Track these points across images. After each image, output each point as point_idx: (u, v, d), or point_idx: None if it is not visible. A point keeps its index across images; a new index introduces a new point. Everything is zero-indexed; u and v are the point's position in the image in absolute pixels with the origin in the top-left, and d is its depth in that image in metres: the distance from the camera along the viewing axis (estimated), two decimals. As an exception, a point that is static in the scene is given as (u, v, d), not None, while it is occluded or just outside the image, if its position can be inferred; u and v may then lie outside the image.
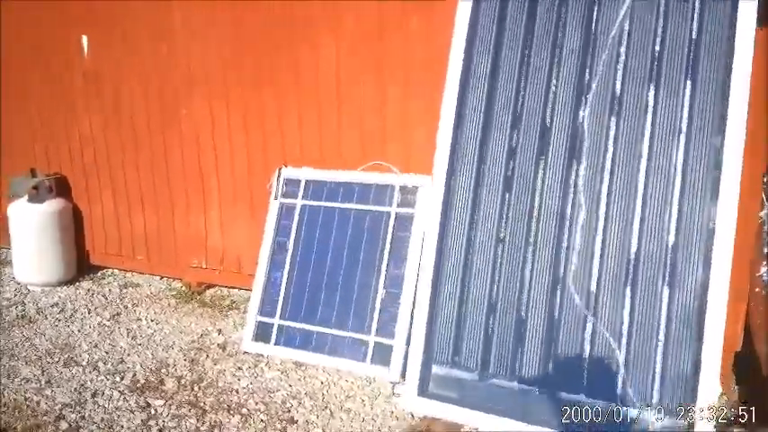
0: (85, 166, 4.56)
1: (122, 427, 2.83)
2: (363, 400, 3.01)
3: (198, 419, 2.88)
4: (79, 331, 3.84)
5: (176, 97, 4.06)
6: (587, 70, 2.52)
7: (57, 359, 3.47)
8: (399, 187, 3.38)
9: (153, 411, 2.95)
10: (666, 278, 2.31)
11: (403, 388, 3.01)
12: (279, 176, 3.72)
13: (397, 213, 3.36)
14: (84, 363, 3.43)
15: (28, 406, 3.00)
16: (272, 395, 3.08)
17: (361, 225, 3.44)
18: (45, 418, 2.90)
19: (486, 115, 2.70)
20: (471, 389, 2.62)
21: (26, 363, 3.43)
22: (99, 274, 4.82)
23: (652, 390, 2.28)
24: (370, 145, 3.51)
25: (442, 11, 3.06)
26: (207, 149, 4.05)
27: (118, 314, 4.09)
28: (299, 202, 3.65)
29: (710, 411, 2.17)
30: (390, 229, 3.35)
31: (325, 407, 2.97)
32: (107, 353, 3.55)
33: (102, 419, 2.89)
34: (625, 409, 2.29)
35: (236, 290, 4.43)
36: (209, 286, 4.48)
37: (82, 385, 3.19)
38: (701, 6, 2.33)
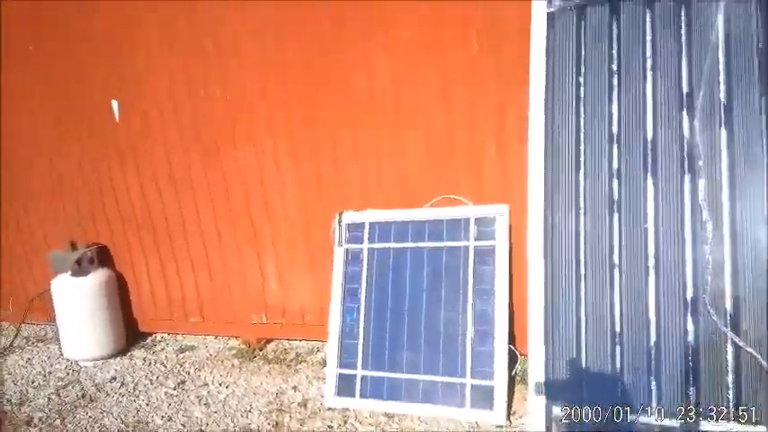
0: (126, 232, 4.39)
1: (227, 507, 2.63)
2: (473, 449, 2.82)
3: (304, 490, 2.68)
4: (147, 405, 3.64)
5: (216, 136, 3.90)
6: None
7: (134, 439, 3.28)
8: (475, 219, 3.24)
9: (254, 486, 2.75)
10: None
11: (511, 429, 2.85)
12: (340, 222, 3.57)
13: (475, 247, 3.22)
14: (164, 440, 3.24)
15: (117, 495, 2.80)
16: (374, 453, 2.89)
17: (438, 263, 3.29)
18: (141, 507, 2.70)
19: (577, 137, 2.57)
20: (601, 426, 2.43)
21: (101, 446, 3.23)
22: (149, 341, 4.64)
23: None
24: (438, 178, 3.36)
25: (508, 19, 2.94)
26: (257, 199, 3.89)
27: (183, 382, 3.90)
28: (366, 245, 3.50)
29: None
30: (471, 264, 3.21)
31: (435, 460, 2.78)
32: (183, 425, 3.36)
33: (203, 502, 2.69)
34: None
35: (298, 341, 4.26)
36: (269, 341, 4.30)
37: (169, 465, 2.99)
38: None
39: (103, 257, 4.48)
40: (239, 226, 3.99)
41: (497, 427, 2.94)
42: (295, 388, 3.64)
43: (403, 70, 3.31)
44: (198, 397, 3.67)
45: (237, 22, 3.63)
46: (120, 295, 4.47)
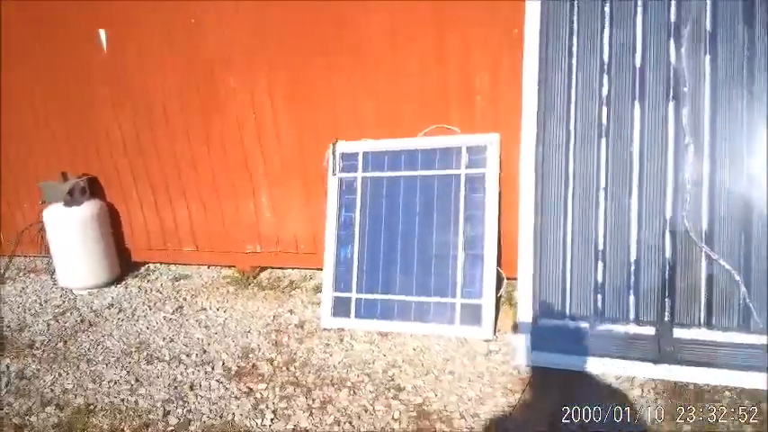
0: (117, 163, 4.42)
1: (233, 414, 2.82)
2: (463, 362, 3.04)
3: (307, 397, 2.88)
4: (147, 328, 3.78)
5: (212, 74, 3.90)
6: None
7: (137, 358, 3.42)
8: (466, 148, 3.36)
9: (259, 396, 2.94)
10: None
11: (498, 344, 3.07)
12: (334, 151, 3.66)
13: (467, 175, 3.35)
14: (166, 358, 3.39)
15: (127, 407, 2.97)
16: (370, 366, 3.09)
17: (431, 190, 3.42)
18: (151, 416, 2.87)
19: (569, 65, 2.68)
20: (584, 337, 2.65)
21: (107, 366, 3.37)
22: (143, 270, 4.74)
23: (775, 314, 2.34)
24: (431, 108, 3.44)
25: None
26: (250, 129, 3.94)
27: (180, 307, 4.03)
28: (360, 174, 3.61)
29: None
30: (462, 191, 3.35)
31: (428, 372, 2.99)
32: (186, 345, 3.52)
33: (211, 410, 2.87)
34: (750, 336, 2.35)
35: (291, 270, 4.40)
36: (262, 269, 4.44)
37: (174, 380, 3.15)
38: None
39: (95, 189, 4.52)
40: (232, 156, 4.04)
41: (484, 341, 3.15)
42: (291, 311, 3.81)
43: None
44: (197, 320, 3.82)
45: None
46: (112, 226, 4.53)
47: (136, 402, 3.00)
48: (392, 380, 2.96)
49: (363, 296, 3.49)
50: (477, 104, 3.35)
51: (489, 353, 3.09)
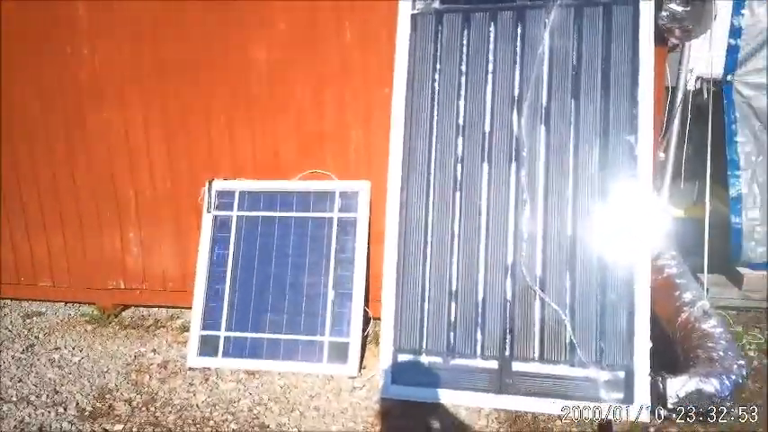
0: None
1: (86, 457, 2.71)
2: (329, 398, 3.15)
3: (167, 438, 2.84)
4: (-8, 368, 3.51)
5: (80, 102, 3.83)
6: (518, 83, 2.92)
7: (-22, 400, 3.17)
8: (340, 192, 3.56)
9: (115, 437, 2.85)
10: (599, 254, 2.77)
11: (362, 380, 3.22)
12: (210, 189, 3.71)
13: (339, 218, 3.54)
14: (13, 399, 3.18)
15: (-37, 452, 2.74)
16: (235, 405, 3.11)
17: (304, 231, 3.56)
18: (-8, 461, 2.68)
19: (431, 126, 3.00)
20: (438, 371, 2.89)
21: (-61, 408, 3.09)
22: (-10, 306, 4.39)
23: (595, 350, 2.72)
24: (308, 153, 3.63)
25: (376, 21, 3.29)
26: (121, 160, 3.88)
27: (32, 345, 3.79)
28: (236, 213, 3.68)
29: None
30: (334, 234, 3.52)
31: (293, 408, 3.07)
32: (36, 386, 3.31)
33: (61, 453, 2.74)
34: (574, 369, 2.70)
35: (157, 309, 4.30)
36: (125, 308, 4.30)
37: (21, 422, 2.97)
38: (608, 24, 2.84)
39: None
40: (100, 186, 3.93)
41: (350, 377, 3.29)
42: (154, 351, 3.72)
43: (279, 61, 3.52)
44: (49, 360, 3.61)
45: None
46: (-44, 258, 4.18)
47: (-26, 448, 2.78)
48: (257, 418, 3.00)
49: (233, 334, 3.50)
50: (351, 153, 3.58)
51: (354, 389, 3.23)
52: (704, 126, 3.87)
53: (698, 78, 5.61)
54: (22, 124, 3.94)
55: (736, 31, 3.52)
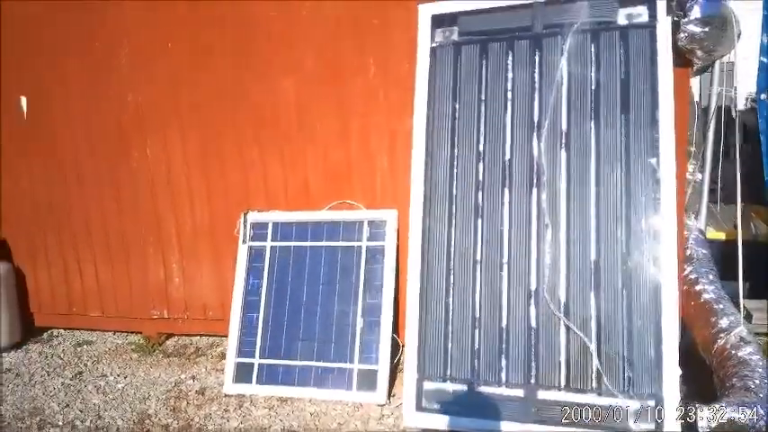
0: (28, 227, 4.42)
1: (123, 480, 2.82)
2: (356, 425, 3.17)
3: (199, 463, 2.92)
4: (44, 394, 3.71)
5: (127, 140, 4.07)
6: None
7: (29, 423, 3.36)
8: (368, 222, 3.63)
9: (150, 461, 2.95)
10: (624, 281, 2.73)
11: (391, 408, 3.23)
12: (245, 221, 3.85)
13: (367, 247, 3.60)
14: (59, 423, 3.35)
15: (12, 474, 2.90)
16: (266, 431, 3.17)
17: (334, 260, 3.64)
18: (37, 482, 2.82)
19: (452, 153, 3.05)
20: (462, 399, 2.87)
21: (-6, 432, 3.29)
22: (46, 335, 4.66)
23: (623, 379, 2.65)
24: (337, 184, 3.73)
25: (398, 55, 3.39)
26: (163, 196, 4.08)
27: (80, 373, 3.99)
28: (269, 243, 3.80)
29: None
30: (363, 262, 3.59)
31: (321, 435, 3.11)
32: (81, 411, 3.48)
33: (100, 476, 2.86)
34: (601, 398, 2.64)
35: (198, 337, 4.45)
36: (169, 336, 4.46)
37: (66, 446, 3.12)
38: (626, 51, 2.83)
39: (3, 251, 4.47)
40: (144, 219, 4.15)
41: (378, 405, 3.31)
42: (194, 378, 3.85)
43: (307, 98, 3.69)
44: (95, 386, 3.79)
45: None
46: (18, 289, 4.46)
47: (21, 470, 2.94)
48: (286, 444, 3.05)
49: (266, 361, 3.59)
50: (377, 183, 3.66)
51: (382, 417, 3.24)
52: (750, 145, 3.77)
53: (747, 98, 5.47)
54: (74, 164, 4.22)
55: (767, 49, 3.44)
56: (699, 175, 3.67)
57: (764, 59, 3.50)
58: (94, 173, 4.20)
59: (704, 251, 3.53)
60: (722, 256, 3.93)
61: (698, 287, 3.29)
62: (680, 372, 2.59)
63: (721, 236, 4.17)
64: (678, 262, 3.16)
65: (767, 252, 3.79)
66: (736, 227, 4.63)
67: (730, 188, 4.72)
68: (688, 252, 3.46)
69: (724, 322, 2.97)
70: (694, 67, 3.93)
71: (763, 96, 3.53)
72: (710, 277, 3.36)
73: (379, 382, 3.35)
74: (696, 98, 5.13)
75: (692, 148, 4.00)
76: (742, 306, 3.01)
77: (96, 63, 4.03)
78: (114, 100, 4.05)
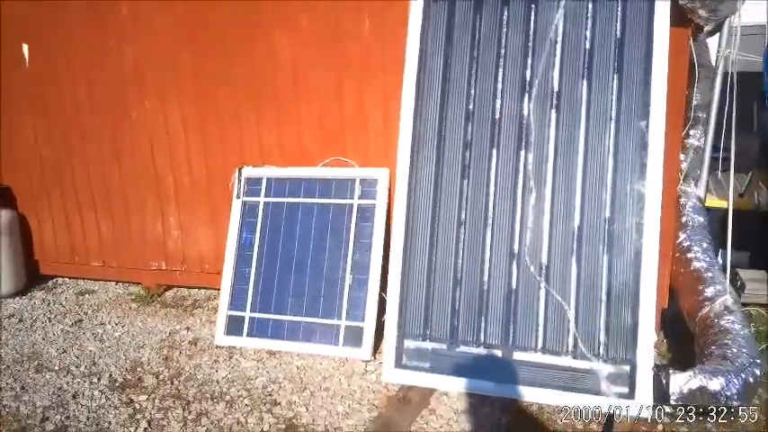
0: (31, 176, 4.49)
1: (110, 423, 2.92)
2: (340, 379, 3.23)
3: (184, 410, 3.01)
4: (43, 339, 3.83)
5: (127, 94, 4.08)
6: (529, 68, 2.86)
7: (27, 366, 3.48)
8: (360, 180, 3.62)
9: (138, 406, 3.05)
10: (606, 246, 2.70)
11: (375, 364, 3.28)
12: (239, 176, 3.86)
13: (359, 205, 3.60)
14: (55, 368, 3.46)
15: (8, 412, 3.03)
16: (252, 382, 3.25)
17: (326, 217, 3.65)
18: (29, 421, 2.94)
19: (441, 111, 2.99)
20: (441, 357, 2.90)
21: (-6, 373, 3.42)
22: (50, 283, 4.78)
23: (599, 343, 2.65)
24: (330, 142, 3.71)
25: (394, 14, 3.32)
26: (161, 151, 4.11)
27: (80, 320, 4.10)
28: (262, 199, 3.81)
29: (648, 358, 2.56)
30: (354, 220, 3.59)
31: (305, 388, 3.17)
32: (77, 357, 3.59)
33: (88, 418, 2.97)
34: (576, 361, 2.65)
35: (197, 289, 4.53)
36: (168, 288, 4.55)
37: (59, 389, 3.23)
38: (624, 10, 2.73)
39: (8, 198, 4.56)
40: (144, 174, 4.19)
41: (363, 361, 3.36)
42: (188, 329, 3.94)
43: (303, 56, 3.64)
44: (93, 334, 3.90)
45: None
46: (22, 237, 4.57)
47: (17, 408, 3.06)
48: (270, 395, 3.13)
49: (257, 315, 3.66)
50: (370, 141, 3.63)
51: (366, 372, 3.30)
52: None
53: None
54: (76, 118, 4.25)
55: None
56: (698, 143, 3.57)
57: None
58: (95, 127, 4.23)
59: (701, 219, 3.46)
60: (723, 225, 3.86)
61: (689, 255, 3.25)
62: (655, 338, 2.58)
63: (723, 204, 4.08)
64: (671, 229, 3.14)
65: (768, 222, 3.72)
66: (741, 195, 4.54)
67: (739, 157, 4.60)
68: (683, 219, 3.40)
69: (710, 291, 2.94)
70: (705, 29, 3.79)
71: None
72: (704, 245, 3.30)
73: (364, 339, 3.40)
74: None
75: (703, 114, 3.88)
76: (728, 274, 2.96)
77: (98, 14, 4.00)
78: (115, 54, 4.03)
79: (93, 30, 4.05)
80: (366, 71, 3.52)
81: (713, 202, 4.04)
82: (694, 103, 4.01)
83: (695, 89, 4.01)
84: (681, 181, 3.60)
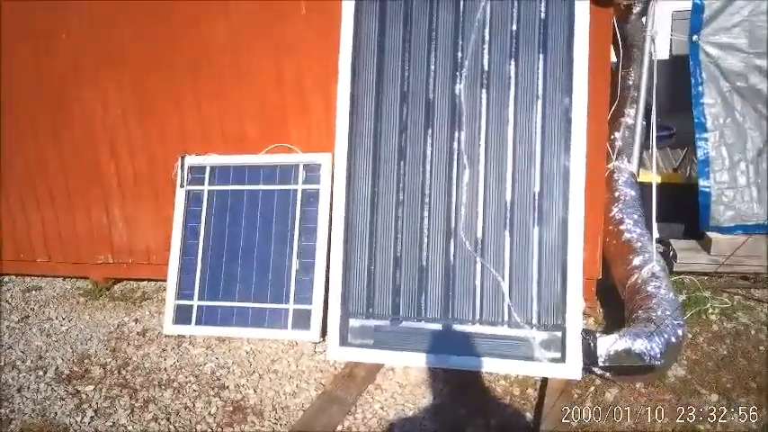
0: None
1: (56, 413, 2.91)
2: (289, 362, 3.28)
3: (131, 397, 3.02)
4: (-13, 337, 3.77)
5: (64, 84, 4.02)
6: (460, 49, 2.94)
7: (-31, 365, 3.42)
8: (303, 165, 3.65)
9: (84, 396, 3.05)
10: (536, 219, 2.81)
11: (323, 345, 3.34)
12: (182, 164, 3.85)
13: (303, 190, 3.64)
14: (0, 364, 3.41)
15: (-52, 410, 2.98)
16: (200, 368, 3.27)
17: (271, 204, 3.68)
18: (-29, 417, 2.91)
19: (377, 95, 3.05)
20: (385, 334, 2.98)
21: (-66, 372, 3.35)
22: (-6, 282, 4.69)
23: (532, 312, 2.77)
24: (273, 128, 3.73)
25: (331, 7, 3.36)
26: (102, 140, 4.06)
27: (26, 317, 4.04)
28: (207, 187, 3.82)
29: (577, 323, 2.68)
30: (299, 205, 3.63)
31: (254, 371, 3.21)
32: (23, 352, 3.55)
33: (33, 410, 2.95)
34: (511, 330, 2.76)
35: (146, 282, 4.50)
36: (117, 281, 4.51)
37: (4, 384, 3.20)
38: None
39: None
40: (85, 165, 4.13)
41: (313, 343, 3.42)
42: (137, 320, 3.92)
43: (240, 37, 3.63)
44: (40, 329, 3.85)
45: None
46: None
47: (-42, 407, 3.02)
48: (218, 380, 3.16)
49: (205, 303, 3.67)
50: (312, 126, 3.66)
51: (314, 353, 3.35)
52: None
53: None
54: (18, 107, 4.16)
55: (698, -11, 3.45)
56: (630, 120, 3.73)
57: (698, 0, 3.50)
58: (35, 118, 4.14)
59: (633, 193, 3.61)
60: (660, 199, 4.03)
61: (621, 227, 3.39)
62: (583, 304, 2.70)
63: (656, 179, 4.25)
64: (602, 203, 3.27)
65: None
66: (675, 170, 4.74)
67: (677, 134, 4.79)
68: (616, 194, 3.54)
69: (638, 260, 3.08)
70: (634, 11, 3.94)
71: (694, 38, 3.55)
72: (635, 217, 3.45)
73: (312, 321, 3.45)
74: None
75: (636, 93, 4.03)
76: (654, 243, 3.11)
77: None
78: (52, 39, 3.96)
79: (30, 13, 3.96)
80: (305, 55, 3.54)
81: (646, 177, 4.21)
82: (629, 82, 4.18)
83: (630, 70, 4.17)
84: (614, 157, 3.75)
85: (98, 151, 4.09)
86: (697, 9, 3.50)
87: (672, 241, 3.94)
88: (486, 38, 2.91)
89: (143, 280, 4.46)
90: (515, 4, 2.88)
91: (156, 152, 3.98)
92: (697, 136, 3.67)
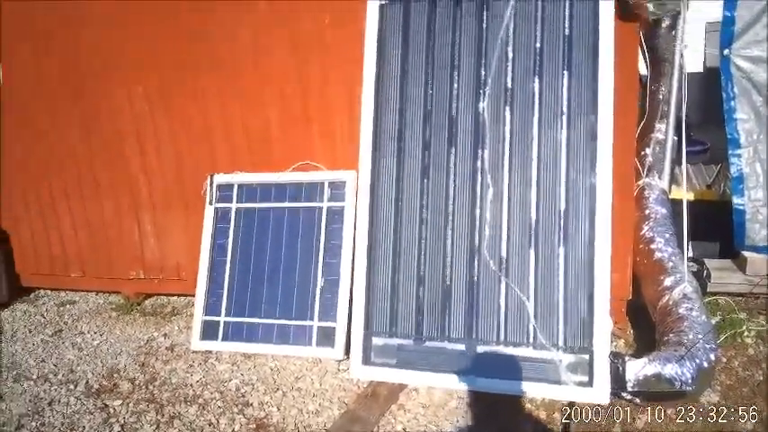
0: (11, 188, 4.54)
1: (84, 427, 2.97)
2: (312, 379, 3.28)
3: (157, 413, 3.06)
4: (23, 350, 3.87)
5: (93, 95, 4.16)
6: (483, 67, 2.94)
7: (5, 377, 3.52)
8: (328, 183, 3.68)
9: (112, 411, 3.10)
10: (561, 238, 2.76)
11: (347, 363, 3.33)
12: (211, 183, 3.92)
13: (328, 207, 3.66)
14: (34, 377, 3.50)
15: (-17, 422, 3.07)
16: (225, 384, 3.30)
17: (297, 221, 3.71)
18: (5, 428, 2.98)
19: (401, 113, 3.06)
20: (408, 353, 2.96)
21: (-28, 384, 3.46)
22: (32, 296, 4.82)
23: (558, 333, 2.71)
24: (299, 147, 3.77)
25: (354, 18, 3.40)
26: (135, 160, 4.17)
27: (60, 331, 4.15)
28: (234, 205, 3.87)
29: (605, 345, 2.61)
30: (324, 222, 3.64)
31: (278, 389, 3.22)
32: (56, 365, 3.63)
33: (63, 423, 3.01)
34: (537, 351, 2.71)
35: (176, 297, 4.57)
36: (148, 296, 4.59)
37: (36, 396, 3.27)
38: (571, 8, 2.80)
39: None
40: (119, 183, 4.24)
41: (336, 360, 3.41)
42: (166, 335, 3.98)
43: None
44: (72, 343, 3.94)
45: None
46: (3, 250, 4.61)
47: (-7, 418, 3.10)
48: (243, 396, 3.17)
49: (231, 319, 3.70)
50: (337, 144, 3.69)
51: (338, 371, 3.35)
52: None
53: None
54: (52, 124, 4.31)
55: (730, 2, 3.36)
56: (660, 136, 3.64)
57: (728, 13, 3.42)
58: (68, 131, 4.28)
59: (664, 210, 3.52)
60: (691, 217, 3.92)
61: (652, 246, 3.30)
62: (611, 326, 2.63)
63: (689, 196, 4.14)
64: (632, 221, 3.20)
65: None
66: (709, 186, 4.61)
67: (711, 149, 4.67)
68: (647, 211, 3.46)
69: (670, 280, 3.00)
70: (663, 25, 3.87)
71: (725, 52, 3.47)
72: (666, 236, 3.36)
73: (337, 339, 3.44)
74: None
75: (666, 107, 3.95)
76: (686, 263, 3.02)
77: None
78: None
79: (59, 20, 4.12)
80: (330, 74, 3.58)
81: (678, 194, 4.10)
82: (659, 96, 4.09)
83: (660, 83, 4.09)
84: (645, 174, 3.67)
85: (132, 168, 4.19)
86: (728, 21, 3.42)
87: (706, 261, 3.82)
88: (510, 55, 2.90)
89: (175, 295, 4.53)
90: (539, 20, 2.86)
91: (187, 169, 4.06)
92: (730, 152, 3.57)
